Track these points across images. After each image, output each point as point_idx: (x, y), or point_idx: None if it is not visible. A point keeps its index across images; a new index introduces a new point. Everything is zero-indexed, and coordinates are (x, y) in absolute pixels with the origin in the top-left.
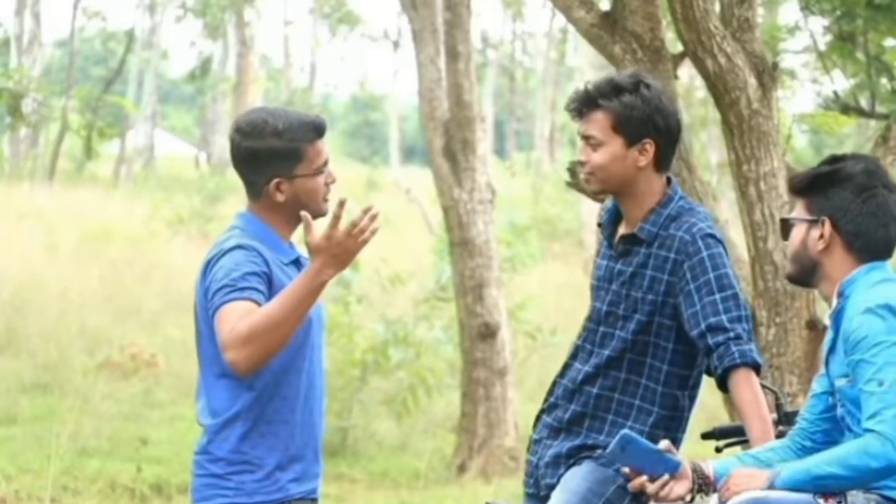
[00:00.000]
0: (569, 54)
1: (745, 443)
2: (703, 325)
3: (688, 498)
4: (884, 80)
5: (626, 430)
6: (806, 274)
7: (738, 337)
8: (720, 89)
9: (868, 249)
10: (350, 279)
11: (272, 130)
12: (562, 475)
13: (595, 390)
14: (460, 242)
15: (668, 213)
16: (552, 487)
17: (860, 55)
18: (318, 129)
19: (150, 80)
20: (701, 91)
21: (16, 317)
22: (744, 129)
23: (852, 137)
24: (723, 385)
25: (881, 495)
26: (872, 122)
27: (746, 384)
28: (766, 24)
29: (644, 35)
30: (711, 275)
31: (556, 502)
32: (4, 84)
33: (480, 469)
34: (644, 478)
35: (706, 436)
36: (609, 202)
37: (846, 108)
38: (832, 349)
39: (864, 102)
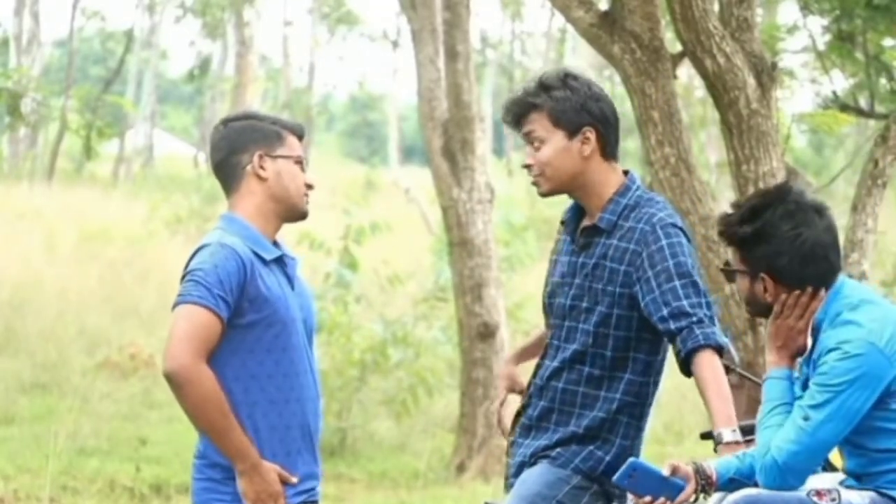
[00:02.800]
0: (567, 54)
1: (744, 443)
2: (664, 311)
3: (691, 499)
4: (883, 80)
5: (633, 458)
6: (764, 314)
7: (700, 321)
8: (719, 89)
9: (814, 286)
10: (349, 279)
11: (255, 115)
12: None
13: (560, 385)
14: (459, 242)
15: (627, 202)
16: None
17: (859, 55)
18: (297, 128)
19: (149, 80)
20: (700, 91)
21: (14, 316)
22: (743, 129)
23: (851, 137)
24: (686, 369)
25: (877, 491)
26: (871, 122)
27: (707, 365)
28: (764, 24)
29: (643, 35)
30: (671, 262)
31: None
32: (4, 84)
33: (480, 469)
34: (648, 498)
35: (705, 436)
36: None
37: (845, 107)
38: (804, 383)
39: (863, 102)
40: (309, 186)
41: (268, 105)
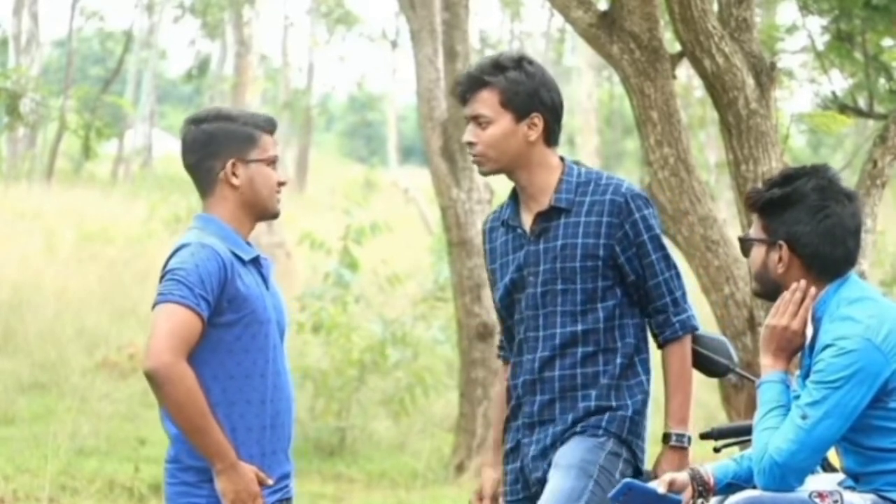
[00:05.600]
0: (567, 54)
1: (743, 443)
2: (657, 301)
3: None
4: (882, 80)
5: (627, 479)
6: (770, 293)
7: (675, 301)
8: (718, 89)
9: (827, 270)
10: (349, 279)
11: (226, 115)
12: (550, 461)
13: (556, 373)
14: (458, 242)
15: (577, 180)
16: (542, 481)
17: (858, 55)
18: (269, 123)
19: (148, 80)
20: (699, 91)
21: (13, 317)
22: (742, 129)
23: (850, 137)
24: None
25: (879, 494)
26: (870, 122)
27: (678, 355)
28: (763, 24)
29: (642, 35)
30: (646, 235)
31: (555, 481)
32: (2, 84)
33: (479, 469)
34: None
35: (704, 436)
36: (495, 211)
37: (844, 107)
38: (806, 374)
39: (862, 102)
40: (281, 184)
41: (267, 105)
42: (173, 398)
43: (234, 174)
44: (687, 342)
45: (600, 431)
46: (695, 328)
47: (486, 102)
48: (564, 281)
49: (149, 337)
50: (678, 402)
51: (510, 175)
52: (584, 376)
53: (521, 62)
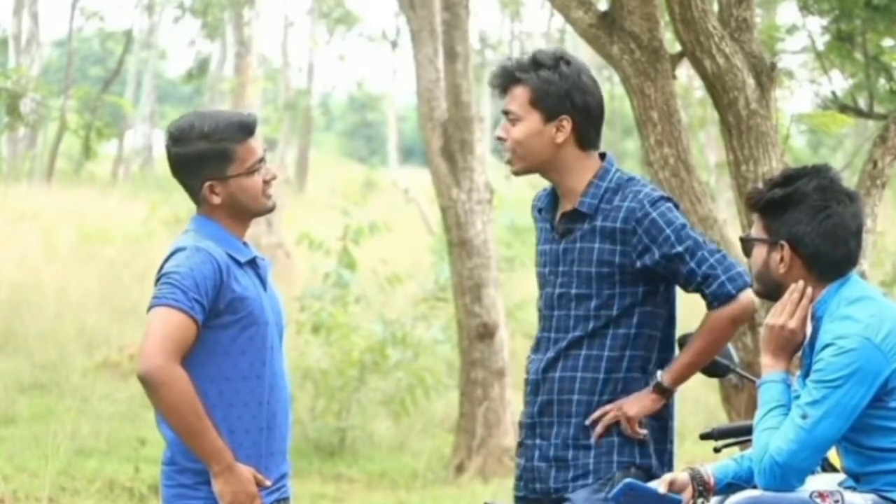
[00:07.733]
0: None
1: (743, 443)
2: (692, 285)
3: None
4: (882, 81)
5: (628, 479)
6: (771, 293)
7: (706, 277)
8: (718, 89)
9: (828, 270)
10: (348, 279)
11: (199, 134)
12: (564, 482)
13: (557, 374)
14: (458, 242)
15: (607, 185)
16: (548, 492)
17: (858, 55)
18: (246, 128)
19: (148, 80)
20: (699, 91)
21: (13, 317)
22: (742, 130)
23: (850, 138)
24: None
25: (879, 494)
26: (870, 123)
27: (717, 317)
28: (764, 24)
29: (642, 35)
30: (668, 231)
31: None
32: (3, 84)
33: (479, 469)
34: None
35: (705, 436)
36: (544, 189)
37: (844, 108)
38: (806, 374)
39: (862, 103)
40: (268, 182)
41: (268, 105)
42: (167, 401)
43: (213, 193)
44: (735, 302)
45: (611, 474)
46: (743, 286)
47: (517, 99)
48: (580, 285)
49: (142, 340)
50: (685, 361)
51: (543, 175)
52: (582, 380)
53: (558, 62)
